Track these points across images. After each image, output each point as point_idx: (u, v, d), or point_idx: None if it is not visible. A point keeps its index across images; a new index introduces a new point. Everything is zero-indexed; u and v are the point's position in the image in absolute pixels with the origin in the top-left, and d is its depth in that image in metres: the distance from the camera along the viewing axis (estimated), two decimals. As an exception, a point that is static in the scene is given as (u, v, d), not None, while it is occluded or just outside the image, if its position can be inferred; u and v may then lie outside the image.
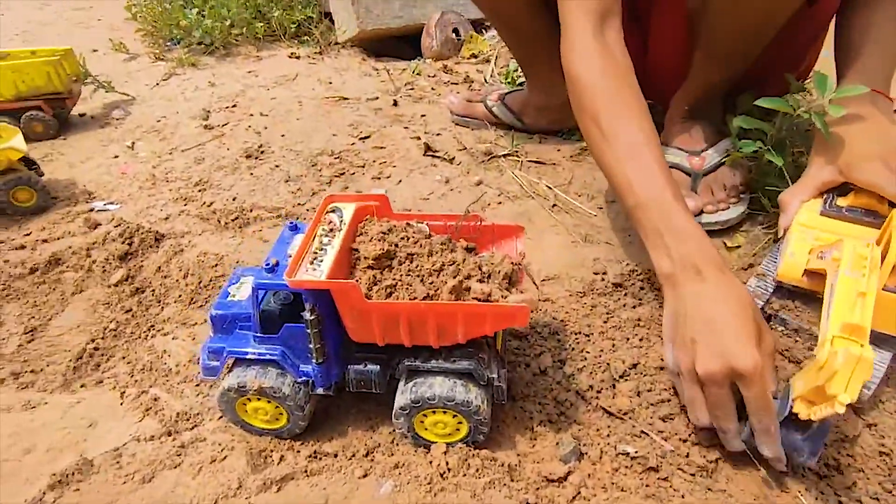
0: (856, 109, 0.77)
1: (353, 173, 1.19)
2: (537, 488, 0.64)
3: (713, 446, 0.66)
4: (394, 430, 0.69)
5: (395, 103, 1.50)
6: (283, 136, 1.34)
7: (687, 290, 0.66)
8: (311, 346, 0.62)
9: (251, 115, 1.43)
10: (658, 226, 0.71)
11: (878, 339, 0.66)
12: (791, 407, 0.58)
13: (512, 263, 0.67)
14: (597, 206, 1.07)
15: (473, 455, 0.65)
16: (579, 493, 0.63)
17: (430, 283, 0.63)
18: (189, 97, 1.55)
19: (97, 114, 1.49)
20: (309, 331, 0.61)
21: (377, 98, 1.53)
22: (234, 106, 1.48)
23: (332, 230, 0.67)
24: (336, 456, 0.68)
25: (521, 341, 0.83)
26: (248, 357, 0.65)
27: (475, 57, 1.91)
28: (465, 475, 0.63)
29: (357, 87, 1.59)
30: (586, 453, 0.69)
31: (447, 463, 0.64)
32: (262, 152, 1.27)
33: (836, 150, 0.77)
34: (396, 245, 0.65)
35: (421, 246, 0.66)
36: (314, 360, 0.63)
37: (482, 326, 0.60)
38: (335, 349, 0.65)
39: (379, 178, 1.18)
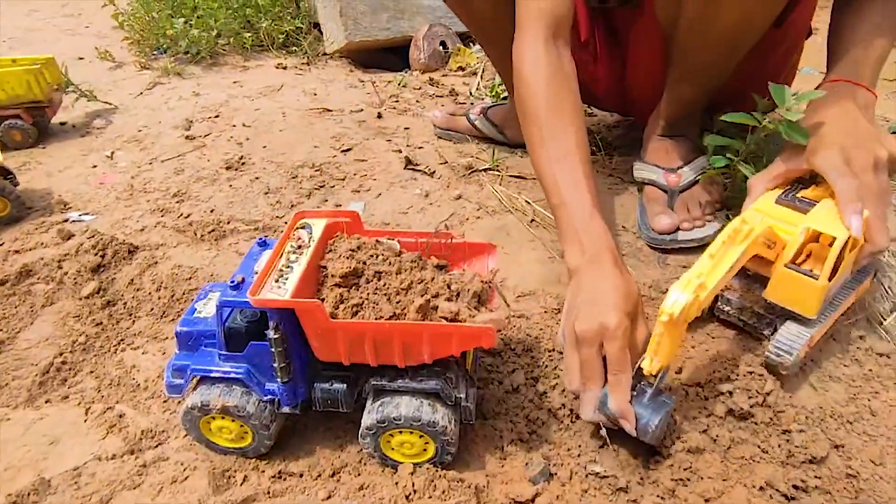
0: (834, 103, 0.79)
1: (334, 186, 1.19)
2: (504, 510, 0.63)
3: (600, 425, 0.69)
4: (362, 450, 0.68)
5: (380, 116, 1.50)
6: (264, 147, 1.33)
7: (585, 278, 0.73)
8: (275, 364, 0.61)
9: (234, 125, 1.43)
10: (576, 225, 0.78)
11: (794, 316, 0.74)
12: (639, 364, 0.65)
13: (482, 281, 0.66)
14: (575, 221, 1.07)
15: (440, 476, 0.64)
16: (546, 515, 0.62)
17: (398, 302, 0.62)
18: (172, 106, 1.54)
19: (78, 123, 1.48)
20: (273, 349, 0.60)
21: (361, 110, 1.53)
22: (216, 116, 1.48)
23: (300, 247, 0.66)
24: (301, 476, 0.67)
25: (495, 358, 0.82)
26: (212, 375, 0.64)
27: (462, 70, 1.92)
28: (430, 497, 0.63)
29: (342, 98, 1.59)
30: (556, 473, 0.68)
31: (413, 484, 0.64)
32: (242, 164, 1.26)
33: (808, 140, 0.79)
34: (364, 263, 0.65)
35: (390, 264, 0.66)
36: (279, 379, 0.63)
37: (448, 346, 0.59)
38: (301, 367, 0.65)
39: (359, 191, 1.17)
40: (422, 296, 0.62)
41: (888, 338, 0.81)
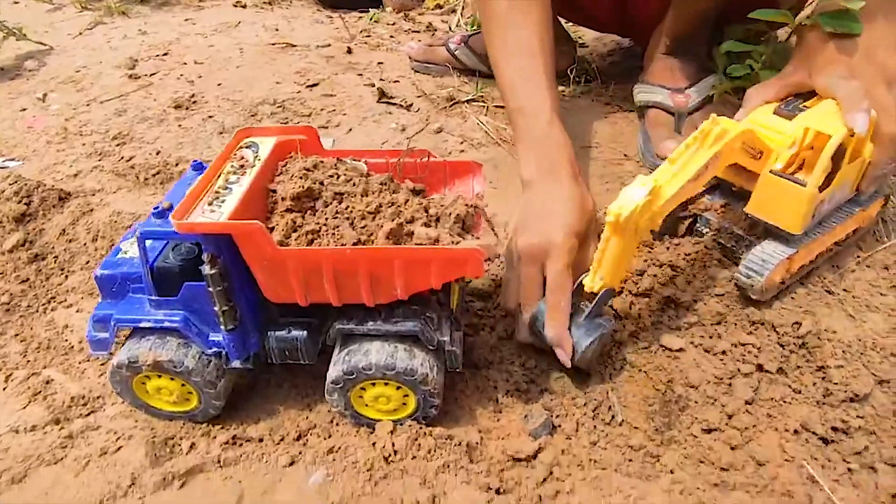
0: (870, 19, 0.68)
1: (298, 123, 1.05)
2: (501, 469, 0.54)
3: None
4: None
5: (349, 51, 1.35)
6: (219, 84, 1.18)
7: (538, 190, 0.68)
8: (217, 309, 0.50)
9: (184, 63, 1.27)
10: (533, 133, 0.73)
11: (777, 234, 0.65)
12: (580, 281, 0.59)
13: (466, 205, 0.55)
14: (570, 151, 0.96)
15: (425, 434, 0.54)
16: (551, 473, 0.53)
17: (363, 228, 0.51)
18: (115, 46, 1.37)
19: (7, 65, 1.31)
20: (211, 289, 0.49)
21: (329, 45, 1.37)
22: (165, 54, 1.32)
23: (242, 167, 0.54)
24: (261, 441, 0.56)
25: (486, 301, 0.72)
26: (142, 326, 0.53)
27: (440, 7, 1.75)
28: (414, 458, 0.53)
29: (307, 34, 1.43)
30: (560, 426, 0.59)
31: (393, 444, 0.54)
32: (193, 102, 1.12)
33: (814, 53, 0.69)
34: (322, 183, 0.52)
35: (354, 185, 0.54)
36: (223, 327, 0.51)
37: (426, 277, 0.48)
38: (252, 312, 0.53)
39: (327, 128, 1.04)
40: (392, 220, 0.50)
41: (928, 262, 0.72)
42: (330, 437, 0.57)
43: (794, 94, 0.70)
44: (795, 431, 0.57)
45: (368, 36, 1.45)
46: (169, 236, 0.49)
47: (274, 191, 0.53)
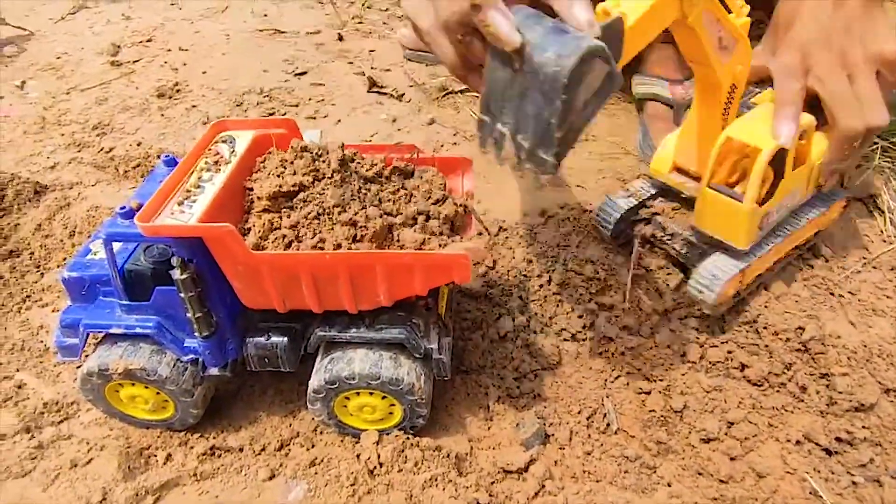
0: None
1: (285, 113, 1.02)
2: (492, 482, 0.51)
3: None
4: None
5: (340, 38, 1.31)
6: (204, 72, 1.14)
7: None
8: (190, 315, 0.47)
9: (168, 50, 1.23)
10: None
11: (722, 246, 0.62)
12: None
13: (456, 205, 0.52)
14: (567, 144, 0.92)
15: (412, 445, 0.52)
16: (543, 486, 0.51)
17: (347, 229, 0.47)
18: (98, 31, 1.32)
19: (-16, 51, 1.26)
20: (183, 295, 0.46)
21: (319, 32, 1.33)
22: (149, 40, 1.27)
23: (217, 163, 0.51)
24: (241, 451, 0.54)
25: (478, 302, 0.69)
26: (112, 332, 0.50)
27: (435, -9, 1.70)
28: (400, 471, 0.50)
29: (297, 20, 1.38)
30: (552, 435, 0.56)
31: (378, 456, 0.51)
32: (177, 91, 1.08)
33: (777, 32, 0.63)
34: (301, 183, 0.49)
35: (338, 180, 0.50)
36: (197, 334, 0.48)
37: (410, 282, 0.45)
38: (230, 318, 0.50)
39: (315, 118, 1.00)
40: (379, 218, 0.47)
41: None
42: (313, 447, 0.54)
43: (757, 80, 0.65)
44: (798, 442, 0.55)
45: (361, 22, 1.40)
46: (136, 239, 0.46)
47: (251, 189, 0.50)
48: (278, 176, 0.49)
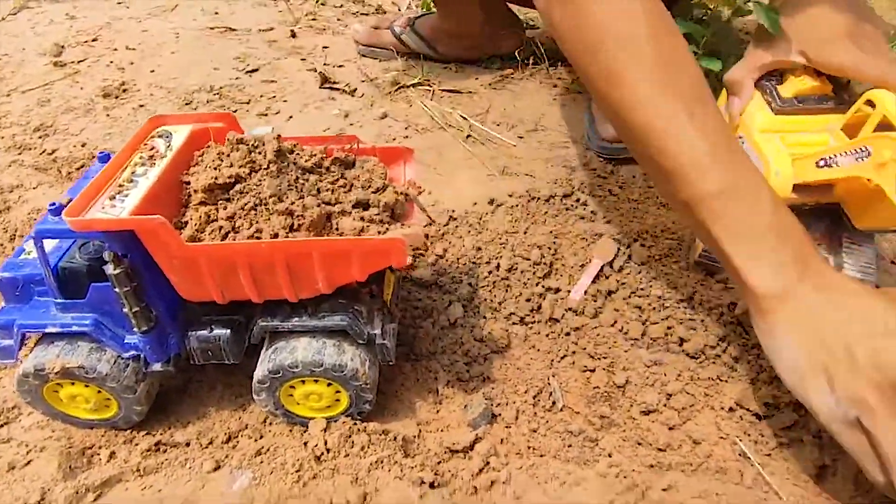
0: None
1: (236, 110, 1.01)
2: (438, 462, 0.52)
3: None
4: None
5: (293, 34, 1.30)
6: (152, 71, 1.12)
7: (818, 301, 0.47)
8: (127, 310, 0.47)
9: (115, 49, 1.20)
10: (756, 222, 0.49)
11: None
12: None
13: (396, 192, 0.53)
14: (516, 135, 0.94)
15: (360, 430, 0.53)
16: (488, 463, 0.52)
17: (285, 218, 0.48)
18: (40, 32, 1.28)
19: (-82, 54, 1.21)
20: (118, 290, 0.45)
21: (272, 29, 1.32)
22: (94, 40, 1.24)
23: (152, 157, 0.50)
24: (188, 445, 0.54)
25: (428, 291, 0.70)
26: (49, 331, 0.49)
27: (391, -12, 1.70)
28: (346, 455, 0.51)
29: (248, 17, 1.37)
30: (499, 414, 0.58)
31: (326, 442, 0.52)
32: (124, 91, 1.06)
33: (791, 27, 0.63)
34: (237, 174, 0.49)
35: (276, 170, 0.51)
36: (135, 329, 0.48)
37: (348, 269, 0.46)
38: (170, 312, 0.50)
39: (266, 115, 1.00)
40: (317, 208, 0.48)
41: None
42: (262, 437, 0.54)
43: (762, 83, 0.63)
44: (731, 409, 0.58)
45: (314, 19, 1.40)
46: (66, 235, 0.45)
47: (188, 183, 0.50)
48: (215, 168, 0.49)
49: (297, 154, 0.52)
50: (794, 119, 0.60)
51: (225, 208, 0.47)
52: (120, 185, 0.47)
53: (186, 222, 0.48)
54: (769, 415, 0.57)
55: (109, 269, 0.44)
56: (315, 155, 0.52)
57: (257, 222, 0.47)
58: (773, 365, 0.49)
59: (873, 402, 0.42)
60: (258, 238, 0.46)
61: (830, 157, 0.54)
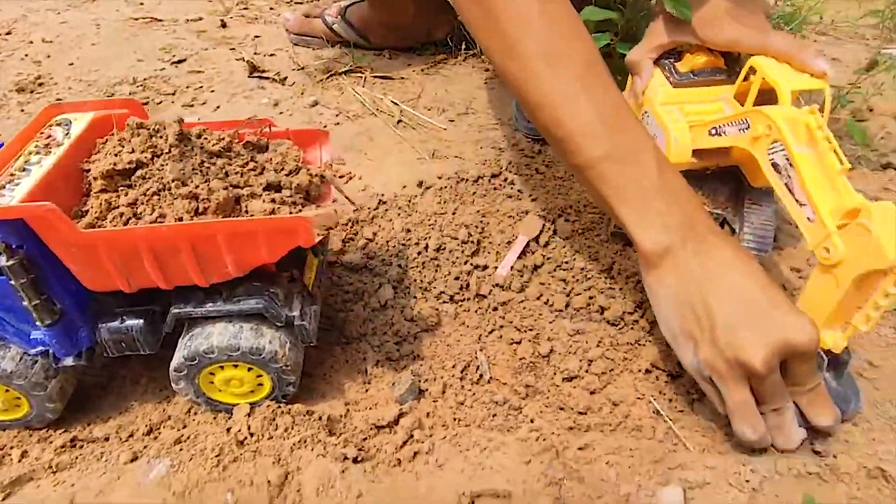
0: None
1: (160, 102, 0.98)
2: (364, 438, 0.53)
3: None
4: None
5: (224, 24, 1.27)
6: (70, 64, 1.08)
7: (694, 267, 0.50)
8: (26, 304, 0.45)
9: (30, 42, 1.15)
10: (643, 184, 0.52)
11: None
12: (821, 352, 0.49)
13: (310, 174, 0.53)
14: (447, 119, 0.95)
15: (283, 412, 0.53)
16: (412, 436, 0.53)
17: (191, 203, 0.47)
18: (-53, 26, 1.22)
19: None
20: (14, 283, 0.44)
21: (200, 19, 1.28)
22: (8, 33, 1.18)
23: (48, 146, 0.49)
24: (107, 440, 0.53)
25: (359, 274, 0.70)
26: (-56, 330, 0.47)
27: (328, -23, 1.68)
28: (270, 438, 0.51)
29: (175, 7, 1.33)
30: (426, 390, 0.59)
31: (249, 427, 0.52)
32: (39, 84, 1.01)
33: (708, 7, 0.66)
34: (138, 160, 0.48)
35: (181, 153, 0.50)
36: (39, 323, 0.47)
37: (256, 250, 0.46)
38: (77, 304, 0.49)
39: (192, 106, 0.98)
40: (224, 190, 0.47)
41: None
42: (185, 427, 0.54)
43: (662, 60, 0.67)
44: (647, 371, 0.60)
45: (246, 8, 1.37)
46: (-52, 227, 0.43)
47: (89, 171, 0.49)
48: (115, 155, 0.48)
49: (205, 139, 0.51)
50: (691, 91, 0.64)
51: (126, 195, 0.46)
52: (11, 175, 0.45)
53: (87, 211, 0.46)
54: (682, 374, 0.60)
55: (2, 261, 0.43)
56: (223, 139, 0.52)
57: (160, 207, 0.46)
58: (655, 316, 0.55)
59: (723, 370, 0.48)
60: (161, 222, 0.45)
61: (720, 127, 0.57)
